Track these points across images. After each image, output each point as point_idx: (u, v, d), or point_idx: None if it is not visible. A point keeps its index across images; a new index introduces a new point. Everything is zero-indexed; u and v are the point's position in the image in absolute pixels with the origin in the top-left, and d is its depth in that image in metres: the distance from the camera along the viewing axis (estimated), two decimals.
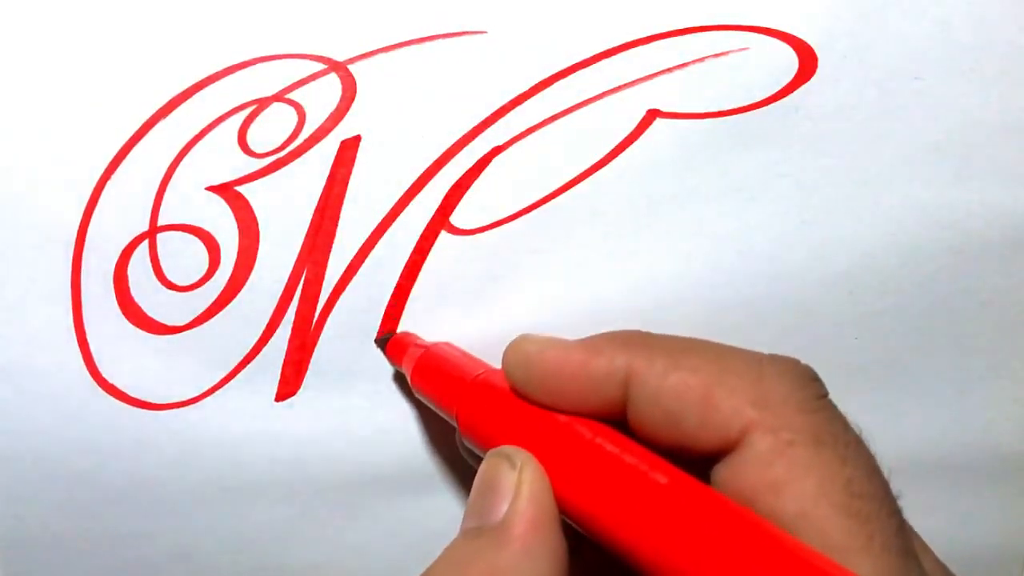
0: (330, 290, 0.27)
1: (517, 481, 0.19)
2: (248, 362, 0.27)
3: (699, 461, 0.18)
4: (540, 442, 0.20)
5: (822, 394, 0.19)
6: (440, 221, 0.27)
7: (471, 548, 0.19)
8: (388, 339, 0.27)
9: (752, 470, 0.17)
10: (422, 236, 0.27)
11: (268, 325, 0.27)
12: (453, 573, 0.18)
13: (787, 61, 0.26)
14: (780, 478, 0.17)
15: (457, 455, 0.29)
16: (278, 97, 0.25)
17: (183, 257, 0.26)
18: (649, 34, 0.26)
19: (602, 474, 0.18)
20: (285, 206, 0.26)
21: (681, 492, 0.17)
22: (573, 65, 0.26)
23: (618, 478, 0.17)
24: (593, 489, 0.18)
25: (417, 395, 0.26)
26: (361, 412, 0.28)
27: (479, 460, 0.24)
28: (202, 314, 0.27)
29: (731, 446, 0.18)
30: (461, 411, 0.22)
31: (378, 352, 0.28)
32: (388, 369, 0.28)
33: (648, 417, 0.19)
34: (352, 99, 0.26)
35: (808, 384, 0.19)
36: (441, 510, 0.30)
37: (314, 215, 0.26)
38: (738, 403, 0.18)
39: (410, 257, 0.27)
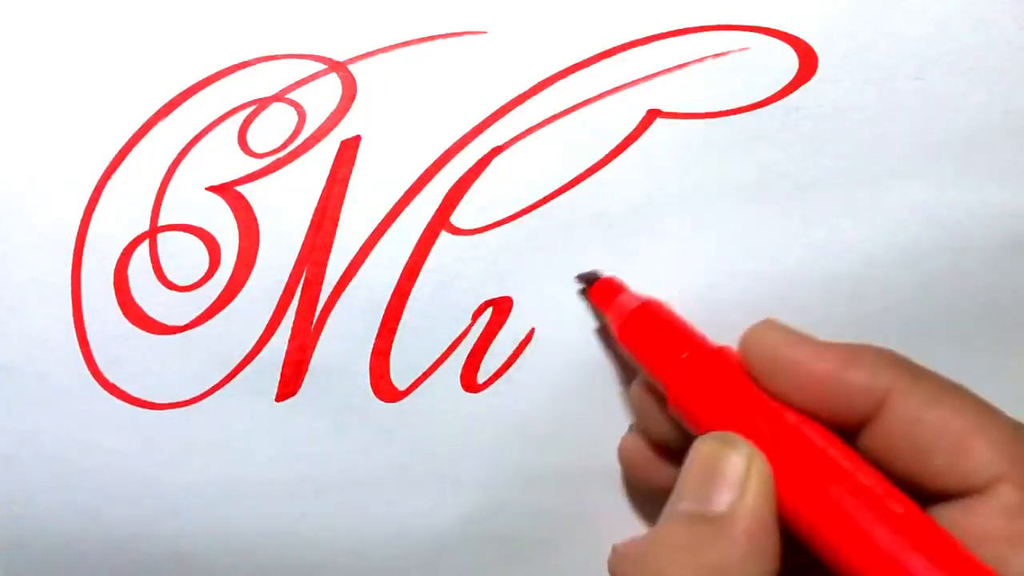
0: (330, 290, 0.27)
1: (745, 474, 0.19)
2: (248, 362, 0.27)
3: (919, 493, 0.19)
4: (767, 436, 0.19)
5: None
6: (440, 221, 0.27)
7: (695, 535, 0.18)
8: (593, 280, 0.26)
9: (993, 518, 0.18)
10: (422, 236, 0.27)
11: (268, 325, 0.27)
12: (680, 559, 0.18)
13: (787, 61, 0.26)
14: (1022, 533, 0.17)
15: (456, 457, 0.29)
16: (278, 97, 0.25)
17: (183, 257, 0.26)
18: (649, 34, 0.26)
19: (832, 487, 0.18)
20: (285, 206, 0.26)
21: (917, 526, 0.17)
22: (573, 65, 0.26)
23: (850, 496, 0.17)
24: (820, 500, 0.18)
25: (620, 350, 0.25)
26: (361, 412, 0.28)
27: (667, 430, 0.23)
28: (202, 314, 0.27)
29: (969, 492, 0.18)
30: (675, 382, 0.22)
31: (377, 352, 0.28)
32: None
33: (893, 442, 0.19)
34: (352, 99, 0.26)
35: None
36: (441, 511, 0.30)
37: (314, 215, 0.26)
38: (995, 455, 0.18)
39: (410, 257, 0.27)
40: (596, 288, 0.27)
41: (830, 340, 0.21)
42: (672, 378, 0.22)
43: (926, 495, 0.19)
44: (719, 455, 0.19)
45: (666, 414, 0.24)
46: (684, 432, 0.23)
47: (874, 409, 0.19)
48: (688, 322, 0.25)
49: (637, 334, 0.24)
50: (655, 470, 0.26)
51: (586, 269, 0.27)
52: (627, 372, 0.28)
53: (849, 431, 0.20)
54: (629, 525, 0.30)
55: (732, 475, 0.19)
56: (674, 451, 0.25)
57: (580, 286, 0.27)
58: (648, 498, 0.30)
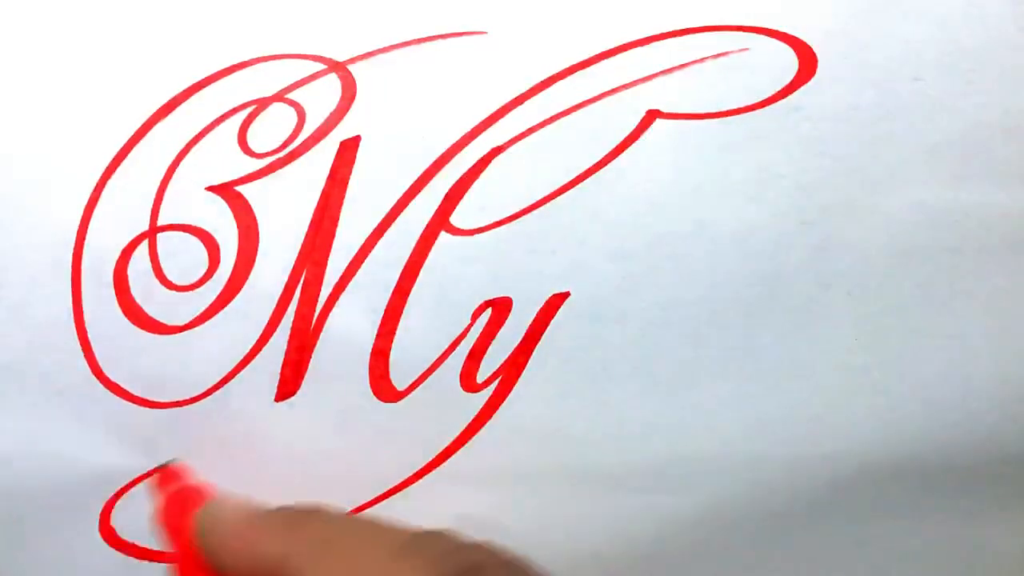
0: (330, 290, 0.27)
1: None
2: (248, 362, 0.27)
3: None
4: None
5: None
6: (440, 221, 0.27)
7: None
8: (165, 466, 0.28)
9: None
10: (422, 236, 0.27)
11: (268, 325, 0.27)
12: None
13: (787, 61, 0.26)
14: None
15: (456, 457, 0.29)
16: (278, 97, 0.25)
17: (183, 257, 0.26)
18: (649, 34, 0.26)
19: None
20: (285, 206, 0.26)
21: None
22: (573, 65, 0.26)
23: None
24: None
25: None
26: (361, 412, 0.28)
27: None
28: (202, 314, 0.27)
29: None
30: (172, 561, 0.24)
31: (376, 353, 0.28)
32: None
33: None
34: (352, 99, 0.26)
35: None
36: (441, 511, 0.30)
37: (314, 215, 0.26)
38: None
39: (410, 257, 0.27)
40: (163, 474, 0.28)
41: (264, 508, 0.22)
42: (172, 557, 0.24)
43: None
44: None
45: None
46: None
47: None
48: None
49: (166, 524, 0.26)
50: None
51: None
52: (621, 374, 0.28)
53: None
54: (628, 525, 0.30)
55: None
56: None
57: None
58: (646, 499, 0.30)
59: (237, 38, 0.25)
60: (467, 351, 0.28)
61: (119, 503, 0.28)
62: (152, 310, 0.27)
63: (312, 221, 0.26)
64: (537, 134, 0.26)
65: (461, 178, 0.26)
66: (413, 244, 0.27)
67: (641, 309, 0.28)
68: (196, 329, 0.27)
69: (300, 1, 0.25)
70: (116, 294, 0.26)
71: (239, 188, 0.26)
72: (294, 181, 0.26)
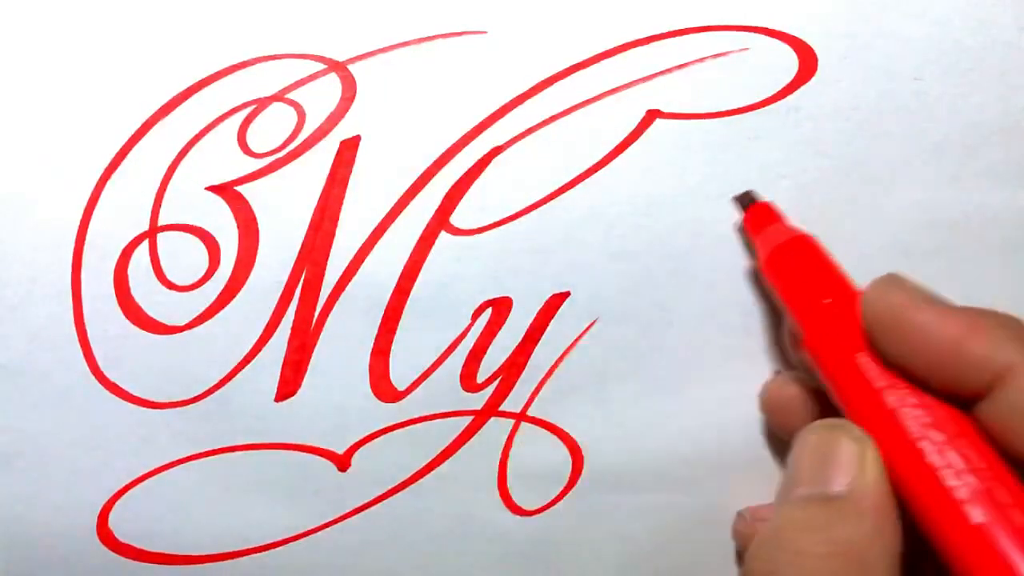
0: (330, 290, 0.27)
1: (861, 457, 0.19)
2: (248, 362, 0.27)
3: None
4: (874, 421, 0.20)
5: None
6: (440, 221, 0.27)
7: (822, 514, 0.19)
8: (748, 203, 0.26)
9: None
10: (422, 236, 0.27)
11: (268, 325, 0.27)
12: (813, 537, 0.18)
13: (787, 61, 0.26)
14: None
15: (456, 456, 0.29)
16: (278, 97, 0.25)
17: (183, 257, 0.26)
18: (649, 34, 0.26)
19: (922, 484, 0.18)
20: (285, 206, 0.26)
21: (991, 537, 0.17)
22: (573, 65, 0.26)
23: (934, 495, 0.18)
24: (912, 492, 0.18)
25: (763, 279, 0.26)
26: (361, 412, 0.28)
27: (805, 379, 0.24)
28: (202, 314, 0.27)
29: None
30: (808, 334, 0.23)
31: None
32: None
33: (1009, 418, 0.18)
34: (352, 99, 0.26)
35: None
36: (442, 510, 0.30)
37: (314, 215, 0.26)
38: None
39: (410, 257, 0.27)
40: (750, 213, 0.26)
41: (953, 304, 0.20)
42: (806, 324, 0.23)
43: None
44: (830, 441, 0.19)
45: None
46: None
47: (991, 383, 0.18)
48: (834, 262, 0.25)
49: (780, 270, 0.25)
50: (797, 416, 0.26)
51: (741, 192, 0.27)
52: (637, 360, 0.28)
53: (964, 399, 0.19)
54: (628, 525, 0.30)
55: (847, 459, 0.19)
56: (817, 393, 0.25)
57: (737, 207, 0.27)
58: (647, 499, 0.30)
59: (237, 38, 0.25)
60: (467, 351, 0.28)
61: (118, 504, 0.28)
62: (152, 310, 0.27)
63: (312, 221, 0.26)
64: (537, 134, 0.26)
65: (461, 178, 0.26)
66: (413, 244, 0.27)
67: (641, 309, 0.28)
68: (196, 329, 0.27)
69: (300, 1, 0.25)
70: (116, 294, 0.26)
71: (239, 188, 0.26)
72: (294, 181, 0.26)
